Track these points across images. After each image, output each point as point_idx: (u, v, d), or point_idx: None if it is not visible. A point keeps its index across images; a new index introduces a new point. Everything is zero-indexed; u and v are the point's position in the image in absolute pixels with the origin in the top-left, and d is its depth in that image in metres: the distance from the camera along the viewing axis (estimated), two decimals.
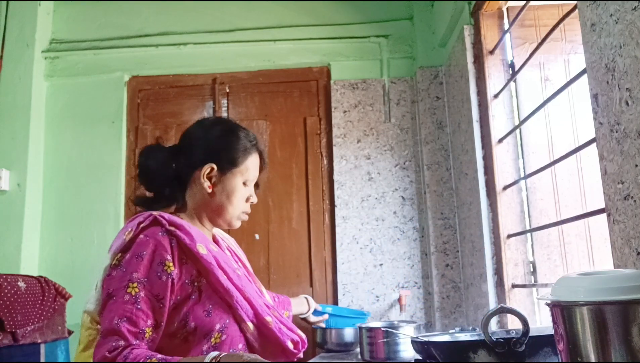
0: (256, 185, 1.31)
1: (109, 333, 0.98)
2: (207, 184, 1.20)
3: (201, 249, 1.08)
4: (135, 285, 1.01)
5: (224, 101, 2.68)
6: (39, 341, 1.67)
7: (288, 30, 2.67)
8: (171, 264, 1.05)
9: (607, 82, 1.12)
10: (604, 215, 1.16)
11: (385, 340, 1.70)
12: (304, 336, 1.19)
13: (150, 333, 1.01)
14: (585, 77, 1.25)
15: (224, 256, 1.16)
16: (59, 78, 2.68)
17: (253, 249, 2.51)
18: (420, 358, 1.12)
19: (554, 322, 0.78)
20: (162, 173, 1.21)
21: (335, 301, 2.43)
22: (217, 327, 1.06)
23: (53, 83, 2.68)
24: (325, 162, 2.59)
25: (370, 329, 1.78)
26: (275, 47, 2.67)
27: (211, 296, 1.08)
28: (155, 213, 1.12)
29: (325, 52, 2.66)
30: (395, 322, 1.93)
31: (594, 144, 1.21)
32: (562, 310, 0.75)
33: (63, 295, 1.76)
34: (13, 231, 2.42)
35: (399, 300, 2.29)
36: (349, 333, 2.06)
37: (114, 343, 0.96)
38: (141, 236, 1.07)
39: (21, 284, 1.62)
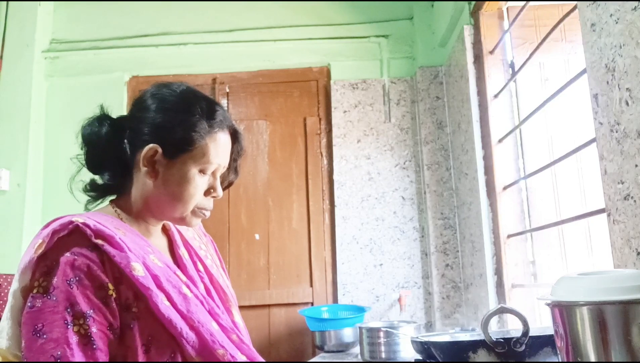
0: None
1: None
2: (146, 170, 0.94)
3: (137, 269, 0.84)
4: (81, 321, 0.79)
5: (224, 101, 2.68)
6: None
7: (288, 30, 2.67)
8: (111, 286, 0.83)
9: (607, 82, 1.12)
10: (604, 215, 1.16)
11: (385, 340, 1.70)
12: None
13: None
14: (585, 77, 1.25)
15: (166, 271, 0.90)
16: (59, 78, 2.68)
17: (253, 249, 2.51)
18: (420, 358, 1.12)
19: (554, 322, 0.78)
20: (100, 150, 0.96)
21: (335, 301, 2.43)
22: None
23: (53, 83, 2.68)
24: (325, 162, 2.59)
25: (370, 329, 1.78)
26: (275, 47, 2.67)
27: (151, 325, 0.85)
28: (77, 218, 0.85)
29: (325, 52, 2.66)
30: (395, 322, 1.93)
31: (594, 144, 1.21)
32: (562, 310, 0.75)
33: None
34: (13, 231, 2.42)
35: (399, 300, 2.29)
36: (348, 334, 2.07)
37: None
38: (67, 254, 0.82)
39: None
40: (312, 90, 2.68)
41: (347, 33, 2.66)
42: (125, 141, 0.96)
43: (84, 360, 0.78)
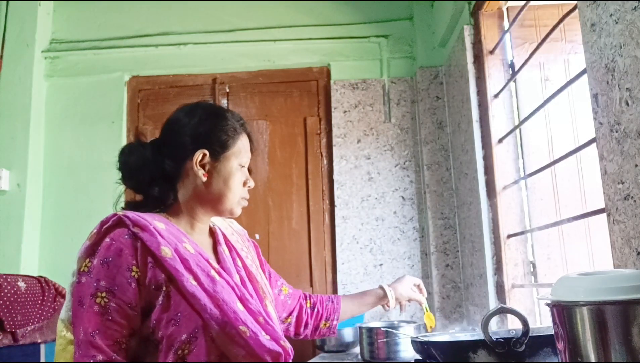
0: (249, 171, 1.22)
1: (85, 347, 0.93)
2: (201, 173, 1.11)
3: (165, 252, 0.99)
4: (104, 294, 0.95)
5: (224, 101, 2.68)
6: (39, 341, 1.68)
7: (288, 30, 2.67)
8: (137, 269, 0.98)
9: (607, 82, 1.12)
10: (604, 215, 1.16)
11: (385, 340, 1.70)
12: (289, 347, 1.06)
13: (127, 342, 0.96)
14: (585, 77, 1.25)
15: (197, 257, 1.04)
16: (59, 78, 2.68)
17: None
18: (420, 358, 1.12)
19: (554, 322, 0.78)
20: (148, 171, 1.11)
21: None
22: (184, 337, 0.96)
23: (53, 83, 2.68)
24: (325, 162, 2.59)
25: (370, 329, 1.78)
26: (275, 47, 2.67)
27: (180, 302, 0.98)
28: (120, 213, 1.04)
29: (325, 52, 2.66)
30: (395, 322, 1.93)
31: (594, 144, 1.21)
32: (562, 310, 0.75)
33: (63, 295, 1.76)
34: (13, 231, 2.42)
35: None
36: (348, 333, 2.07)
37: (91, 359, 0.92)
38: (106, 239, 1.00)
39: (21, 284, 1.63)
40: (312, 90, 2.68)
41: (347, 33, 2.66)
42: (168, 157, 1.12)
43: (97, 327, 0.93)
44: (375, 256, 2.43)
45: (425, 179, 2.43)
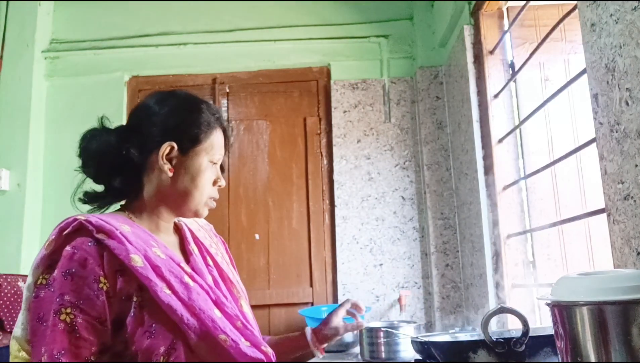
0: (222, 168, 1.12)
1: None
2: (167, 166, 1.01)
3: (135, 260, 0.90)
4: (69, 310, 0.85)
5: (224, 101, 2.68)
6: None
7: (288, 30, 2.67)
8: (105, 279, 0.88)
9: (607, 82, 1.12)
10: (604, 215, 1.16)
11: (385, 340, 1.70)
12: (270, 352, 1.01)
13: (97, 360, 0.87)
14: (585, 77, 1.25)
15: (168, 262, 0.95)
16: (59, 78, 2.68)
17: (253, 249, 2.51)
18: (420, 358, 1.12)
19: (554, 322, 0.78)
20: (110, 158, 1.01)
21: (335, 302, 2.43)
22: (162, 349, 0.88)
23: (53, 83, 2.68)
24: (325, 162, 2.59)
25: (370, 329, 1.78)
26: (275, 47, 2.67)
27: (155, 312, 0.89)
28: (80, 217, 0.92)
29: (325, 52, 2.66)
30: (395, 322, 1.93)
31: (594, 144, 1.21)
32: (562, 310, 0.75)
33: None
34: (13, 231, 2.42)
35: (399, 300, 2.29)
36: (348, 333, 2.06)
37: None
38: (67, 248, 0.89)
39: (21, 284, 1.63)
40: (312, 90, 2.68)
41: (347, 33, 2.66)
42: (134, 146, 1.02)
43: (64, 347, 0.84)
44: (375, 256, 2.43)
45: (425, 179, 2.43)
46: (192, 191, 1.03)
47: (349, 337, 2.07)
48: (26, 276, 0.93)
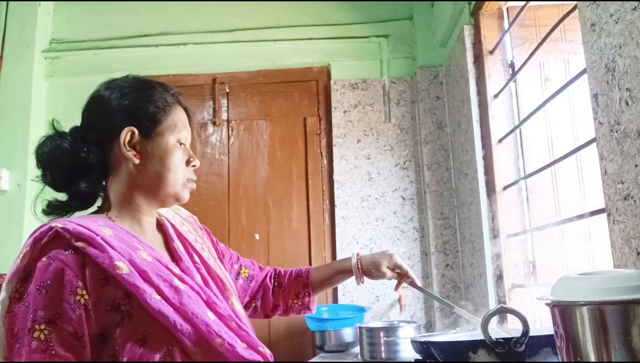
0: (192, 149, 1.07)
1: None
2: (131, 153, 0.95)
3: (121, 267, 0.84)
4: (42, 326, 0.79)
5: (224, 101, 2.68)
6: None
7: (288, 30, 2.67)
8: (84, 291, 0.82)
9: (607, 82, 1.12)
10: (604, 215, 1.16)
11: (385, 340, 1.70)
12: (268, 352, 0.97)
13: None
14: (585, 77, 1.25)
15: (155, 265, 0.90)
16: (59, 78, 2.68)
17: (253, 249, 2.51)
18: (420, 358, 1.12)
19: (554, 322, 0.78)
20: (68, 163, 0.95)
21: (335, 301, 2.43)
22: (157, 357, 0.83)
23: (53, 83, 2.68)
24: (325, 162, 2.59)
25: (370, 329, 1.78)
26: (276, 47, 2.67)
27: (146, 320, 0.85)
28: (57, 224, 0.85)
29: (325, 52, 2.66)
30: (395, 322, 1.93)
31: (594, 144, 1.21)
32: (562, 310, 0.75)
33: None
34: (13, 231, 2.42)
35: (399, 300, 2.29)
36: (348, 333, 2.07)
37: None
38: (43, 259, 0.83)
39: None
40: (312, 90, 2.68)
41: (347, 33, 2.66)
42: (92, 143, 0.97)
43: None
44: None
45: (425, 179, 2.43)
46: (164, 173, 0.97)
47: (349, 336, 2.07)
48: None
